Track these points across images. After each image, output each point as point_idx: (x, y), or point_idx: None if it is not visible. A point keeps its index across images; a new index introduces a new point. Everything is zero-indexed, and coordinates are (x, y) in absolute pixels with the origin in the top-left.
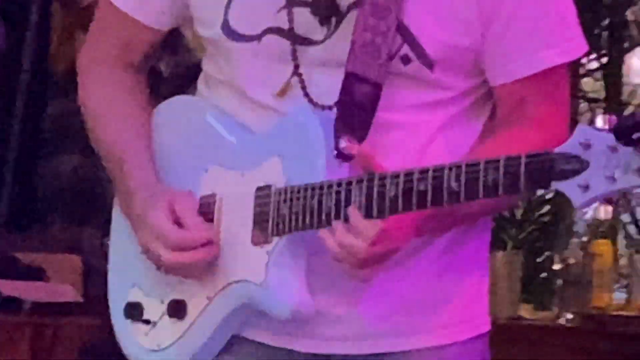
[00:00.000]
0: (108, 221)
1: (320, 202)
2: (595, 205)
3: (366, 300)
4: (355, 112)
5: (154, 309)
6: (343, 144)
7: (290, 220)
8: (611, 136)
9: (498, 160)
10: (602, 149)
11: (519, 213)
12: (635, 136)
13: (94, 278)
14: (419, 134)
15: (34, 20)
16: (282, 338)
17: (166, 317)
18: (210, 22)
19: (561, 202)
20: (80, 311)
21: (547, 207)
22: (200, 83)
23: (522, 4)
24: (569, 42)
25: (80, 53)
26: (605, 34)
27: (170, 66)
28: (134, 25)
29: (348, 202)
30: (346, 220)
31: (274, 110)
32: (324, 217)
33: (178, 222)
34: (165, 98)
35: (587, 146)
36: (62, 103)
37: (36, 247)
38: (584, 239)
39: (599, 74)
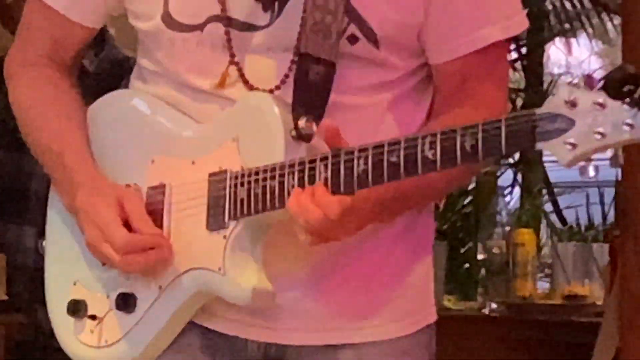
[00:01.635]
0: (32, 218)
1: (281, 183)
2: (516, 195)
3: (322, 292)
4: (310, 92)
5: (99, 304)
6: (302, 123)
7: (249, 203)
8: (598, 93)
9: (476, 125)
10: (588, 106)
11: (441, 204)
12: (625, 88)
13: (18, 276)
14: (369, 115)
15: None
16: (236, 326)
17: (113, 311)
18: (149, 14)
19: (483, 192)
20: (5, 309)
21: (469, 198)
22: (135, 78)
23: None
24: (510, 19)
25: (9, 54)
26: None
27: (95, 62)
28: (65, 23)
29: (312, 181)
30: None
31: (217, 97)
32: (285, 197)
33: (127, 223)
34: (91, 94)
35: (572, 104)
36: None
37: None
38: (507, 228)
39: (518, 65)
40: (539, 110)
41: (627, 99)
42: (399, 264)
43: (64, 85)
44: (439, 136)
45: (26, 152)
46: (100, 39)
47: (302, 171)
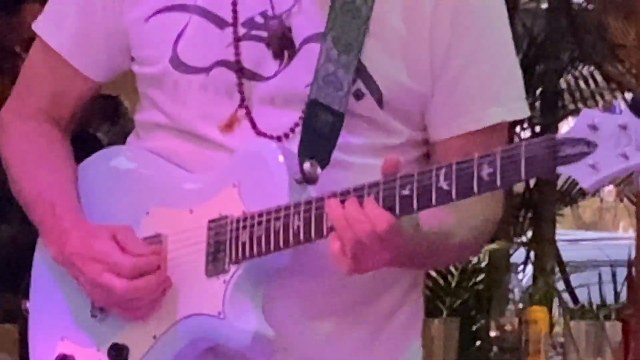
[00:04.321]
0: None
1: (286, 224)
2: (529, 273)
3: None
4: (317, 138)
5: (89, 358)
6: (307, 167)
7: (251, 245)
8: (618, 116)
9: (494, 153)
10: (611, 129)
11: (454, 281)
12: None
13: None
14: (369, 177)
15: None
16: None
17: None
18: (156, 58)
19: (496, 269)
20: None
21: (482, 275)
22: (130, 137)
23: (472, 61)
24: (515, 102)
25: (6, 105)
26: (538, 102)
27: (109, 135)
28: (67, 71)
29: (319, 220)
30: (320, 237)
31: (220, 145)
32: (291, 238)
33: (123, 249)
34: None
35: (594, 128)
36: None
37: None
38: (520, 306)
39: None
40: (559, 135)
41: None
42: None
43: (57, 140)
44: (454, 166)
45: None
46: (114, 111)
47: (308, 210)
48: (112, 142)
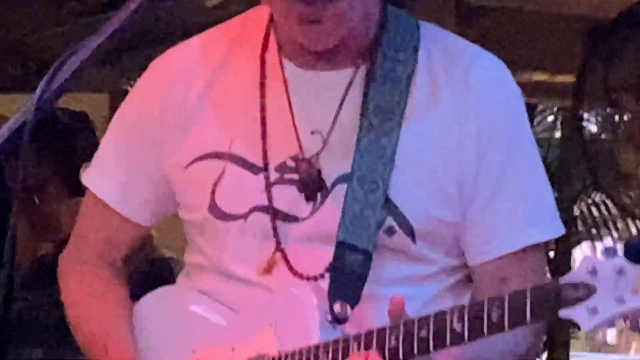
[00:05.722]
0: None
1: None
2: None
3: None
4: (347, 279)
5: None
6: (338, 308)
7: None
8: (616, 261)
9: (502, 297)
10: (609, 273)
11: None
12: None
13: None
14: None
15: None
16: None
17: None
18: (196, 206)
19: None
20: None
21: None
22: (182, 275)
23: (501, 185)
24: (548, 221)
25: (63, 253)
26: None
27: (134, 262)
28: (117, 219)
29: (345, 357)
30: None
31: (258, 286)
32: None
33: None
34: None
35: (593, 273)
36: (27, 298)
37: None
38: None
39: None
40: (562, 279)
41: None
42: None
43: (112, 283)
44: (466, 309)
45: (67, 348)
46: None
47: (336, 350)
48: (137, 269)
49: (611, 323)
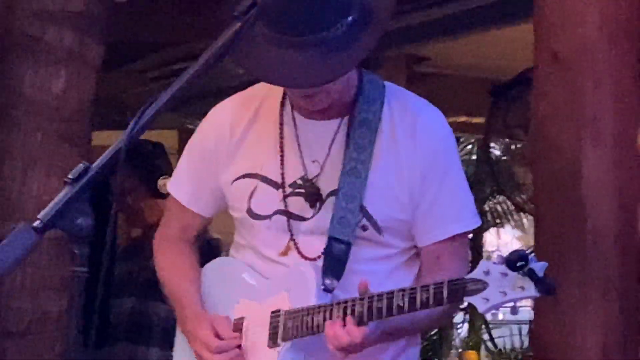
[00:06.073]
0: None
1: (312, 319)
2: (465, 329)
3: None
4: (335, 261)
5: None
6: (328, 282)
7: (294, 330)
8: (502, 266)
9: (428, 286)
10: (497, 274)
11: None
12: (518, 264)
13: None
14: (376, 278)
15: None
16: None
17: None
18: (239, 208)
19: (445, 327)
20: None
21: (435, 330)
22: (232, 249)
23: (438, 194)
24: (470, 217)
25: (156, 234)
26: None
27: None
28: (188, 213)
29: (331, 317)
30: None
31: (279, 263)
32: (314, 327)
33: (217, 335)
34: None
35: (487, 273)
36: (121, 267)
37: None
38: (459, 350)
39: None
40: (467, 277)
41: (520, 271)
42: None
43: (187, 254)
44: (407, 291)
45: (150, 299)
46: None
47: (325, 311)
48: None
49: (497, 308)
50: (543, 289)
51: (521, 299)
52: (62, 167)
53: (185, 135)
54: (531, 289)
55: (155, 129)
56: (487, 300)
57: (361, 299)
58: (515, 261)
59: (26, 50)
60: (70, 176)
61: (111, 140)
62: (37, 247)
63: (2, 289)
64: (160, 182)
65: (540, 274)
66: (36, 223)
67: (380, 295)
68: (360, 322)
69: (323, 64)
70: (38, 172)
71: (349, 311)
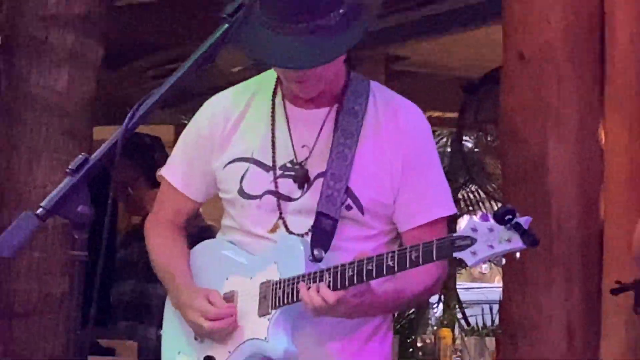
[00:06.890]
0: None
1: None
2: (440, 308)
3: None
4: (322, 234)
5: None
6: (316, 251)
7: (283, 298)
8: (489, 223)
9: (418, 245)
10: (484, 230)
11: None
12: (506, 217)
13: (145, 356)
14: (355, 254)
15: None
16: None
17: None
18: (230, 190)
19: (421, 306)
20: None
21: (412, 310)
22: (220, 232)
23: (418, 182)
24: (447, 204)
25: (149, 217)
26: None
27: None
28: (181, 198)
29: (319, 281)
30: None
31: (267, 239)
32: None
33: (211, 304)
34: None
35: (474, 230)
36: (123, 252)
37: (110, 336)
38: (435, 328)
39: None
40: (455, 234)
41: (507, 225)
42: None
43: (177, 237)
44: (397, 252)
45: (149, 282)
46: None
47: (315, 278)
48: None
49: (485, 261)
50: (528, 240)
51: (508, 251)
52: (65, 160)
53: (181, 130)
54: (517, 241)
55: (153, 124)
56: (475, 253)
57: (351, 263)
58: (503, 214)
59: (31, 51)
60: (70, 167)
61: (112, 135)
62: (38, 232)
63: (10, 273)
64: (158, 173)
65: (526, 227)
66: (39, 210)
67: (370, 258)
68: (342, 286)
69: (317, 48)
70: (43, 164)
71: (339, 277)
